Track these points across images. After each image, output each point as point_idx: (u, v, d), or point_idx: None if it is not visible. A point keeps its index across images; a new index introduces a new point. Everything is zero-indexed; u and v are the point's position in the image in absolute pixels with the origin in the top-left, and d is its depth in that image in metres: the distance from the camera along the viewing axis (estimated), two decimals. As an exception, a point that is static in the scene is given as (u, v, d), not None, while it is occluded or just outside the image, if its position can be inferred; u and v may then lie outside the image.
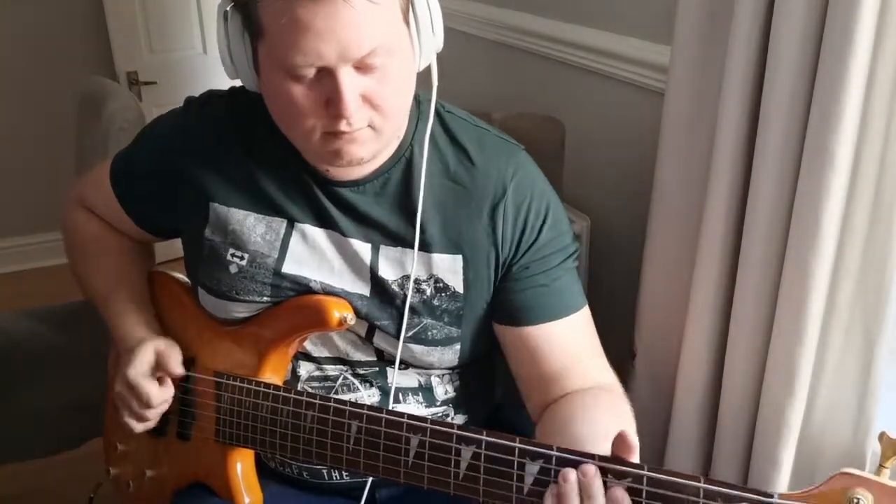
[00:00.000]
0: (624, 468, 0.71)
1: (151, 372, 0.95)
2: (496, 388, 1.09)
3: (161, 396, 0.96)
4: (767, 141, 0.91)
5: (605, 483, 0.71)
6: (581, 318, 0.96)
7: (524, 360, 0.95)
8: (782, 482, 0.97)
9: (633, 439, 0.71)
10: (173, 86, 2.95)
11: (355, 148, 0.83)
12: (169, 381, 0.97)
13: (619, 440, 0.72)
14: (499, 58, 1.83)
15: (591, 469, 0.70)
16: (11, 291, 2.91)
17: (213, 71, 3.32)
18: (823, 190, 0.84)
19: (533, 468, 0.75)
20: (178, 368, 0.96)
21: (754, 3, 0.89)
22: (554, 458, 0.74)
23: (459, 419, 1.02)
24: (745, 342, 0.99)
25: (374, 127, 0.83)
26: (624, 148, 1.38)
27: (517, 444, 0.75)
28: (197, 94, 1.02)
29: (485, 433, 0.78)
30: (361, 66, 0.78)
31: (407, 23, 0.82)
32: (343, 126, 0.80)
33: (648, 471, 0.70)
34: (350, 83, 0.77)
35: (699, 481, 0.68)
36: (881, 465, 0.67)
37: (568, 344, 0.94)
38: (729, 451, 1.04)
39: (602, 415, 0.87)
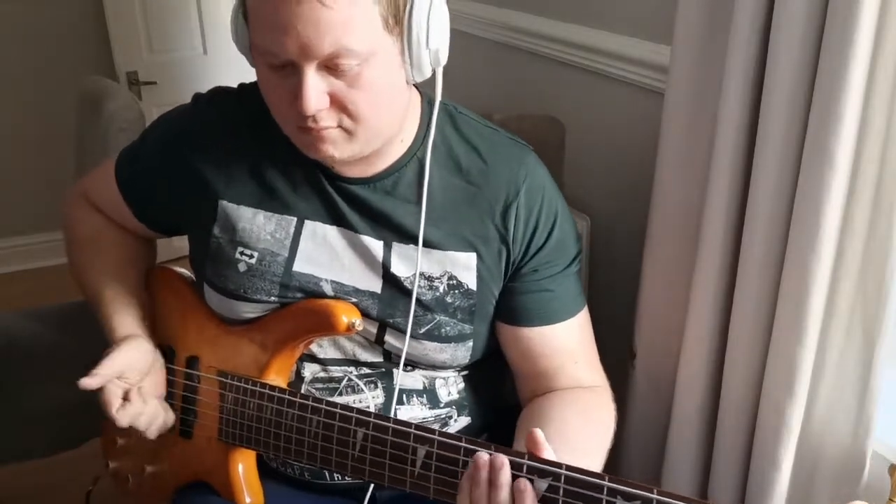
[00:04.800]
0: (634, 490, 0.70)
1: (115, 377, 0.92)
2: (506, 391, 1.09)
3: (126, 416, 0.92)
4: (767, 141, 0.91)
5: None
6: (578, 321, 0.97)
7: (518, 357, 0.98)
8: (782, 482, 0.97)
9: (539, 436, 0.74)
10: (173, 86, 2.95)
11: (326, 147, 0.83)
12: (133, 397, 0.93)
13: (529, 439, 0.75)
14: (499, 58, 1.83)
15: (498, 461, 0.74)
16: (11, 291, 2.91)
17: (214, 71, 3.32)
18: (823, 190, 0.84)
19: (541, 485, 0.74)
20: (103, 367, 0.91)
21: (754, 3, 0.89)
22: (563, 477, 0.73)
23: (463, 421, 1.02)
24: (745, 342, 0.99)
25: (345, 129, 0.82)
26: (624, 148, 1.38)
27: (525, 461, 0.75)
28: (197, 94, 1.02)
29: (493, 447, 0.77)
30: (331, 66, 0.78)
31: (396, 33, 0.80)
32: (309, 122, 0.80)
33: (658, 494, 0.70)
34: (314, 81, 0.78)
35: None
36: (890, 500, 0.67)
37: (562, 346, 0.96)
38: (729, 451, 1.04)
39: (573, 419, 0.91)
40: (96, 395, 0.93)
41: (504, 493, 0.73)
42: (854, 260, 0.87)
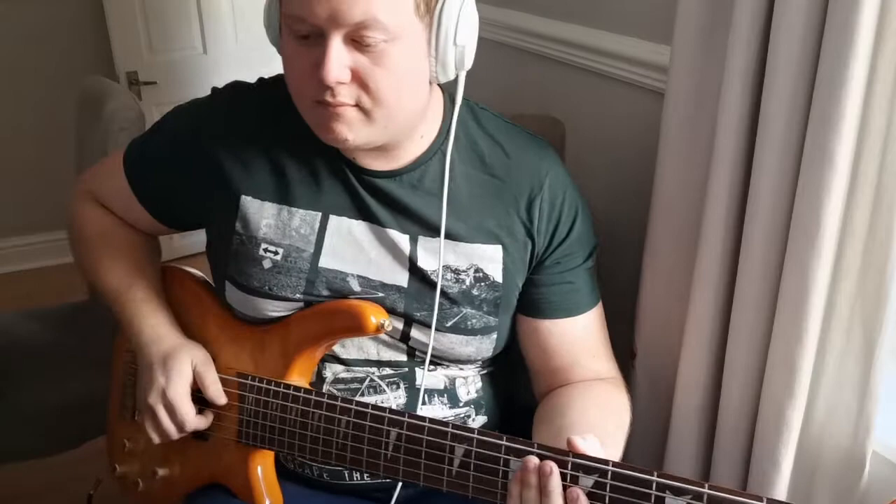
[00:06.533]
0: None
1: (190, 391, 0.93)
2: (519, 390, 1.09)
3: (196, 425, 0.94)
4: (767, 141, 0.91)
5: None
6: (595, 314, 0.99)
7: (538, 351, 0.98)
8: (782, 482, 0.96)
9: (580, 446, 0.74)
10: (173, 86, 2.94)
11: (341, 126, 0.82)
12: (209, 412, 0.95)
13: (567, 445, 0.75)
14: (499, 58, 1.82)
15: (547, 468, 0.73)
16: (11, 291, 2.91)
17: (214, 71, 3.32)
18: (823, 190, 0.84)
19: (587, 482, 0.73)
20: (220, 398, 0.94)
21: (754, 3, 0.89)
22: (609, 473, 0.73)
23: (480, 420, 1.02)
24: (745, 342, 0.99)
25: (363, 109, 0.82)
26: (624, 148, 1.38)
27: (570, 458, 0.74)
28: (196, 94, 1.00)
29: (536, 446, 0.77)
30: (357, 39, 0.78)
31: (426, 22, 0.81)
32: (327, 96, 0.80)
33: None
34: (338, 51, 0.77)
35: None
36: None
37: (579, 339, 0.98)
38: (729, 452, 1.04)
39: (592, 407, 0.91)
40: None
41: (555, 500, 0.73)
42: (854, 260, 0.87)
